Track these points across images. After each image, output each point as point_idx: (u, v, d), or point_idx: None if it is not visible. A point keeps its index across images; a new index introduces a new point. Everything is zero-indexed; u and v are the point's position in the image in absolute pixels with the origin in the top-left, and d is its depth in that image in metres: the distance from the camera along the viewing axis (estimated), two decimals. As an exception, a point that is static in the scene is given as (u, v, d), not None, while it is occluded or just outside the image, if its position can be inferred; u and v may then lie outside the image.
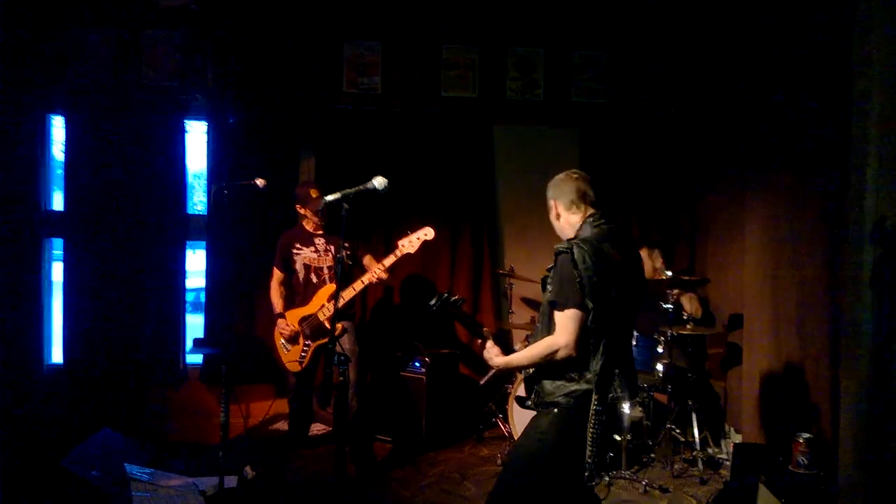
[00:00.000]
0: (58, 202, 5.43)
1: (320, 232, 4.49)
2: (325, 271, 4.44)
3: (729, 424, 4.88)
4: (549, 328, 2.50)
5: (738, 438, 4.62)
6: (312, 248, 4.46)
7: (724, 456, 4.62)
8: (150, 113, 5.16)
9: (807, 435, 3.52)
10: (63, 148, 5.23)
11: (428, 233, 4.21)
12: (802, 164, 3.78)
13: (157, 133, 5.18)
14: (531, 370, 2.59)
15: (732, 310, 4.81)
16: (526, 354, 2.56)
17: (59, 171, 5.51)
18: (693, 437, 4.44)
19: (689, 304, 4.81)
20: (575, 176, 2.68)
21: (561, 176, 2.71)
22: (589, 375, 2.46)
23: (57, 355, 5.44)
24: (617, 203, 5.44)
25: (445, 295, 2.44)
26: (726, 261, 4.86)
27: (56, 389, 5.14)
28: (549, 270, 2.62)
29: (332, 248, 4.45)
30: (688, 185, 5.41)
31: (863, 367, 2.65)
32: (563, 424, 2.48)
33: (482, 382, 5.00)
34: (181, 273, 5.32)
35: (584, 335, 2.41)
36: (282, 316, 4.46)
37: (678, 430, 4.48)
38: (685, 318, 4.62)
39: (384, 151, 5.34)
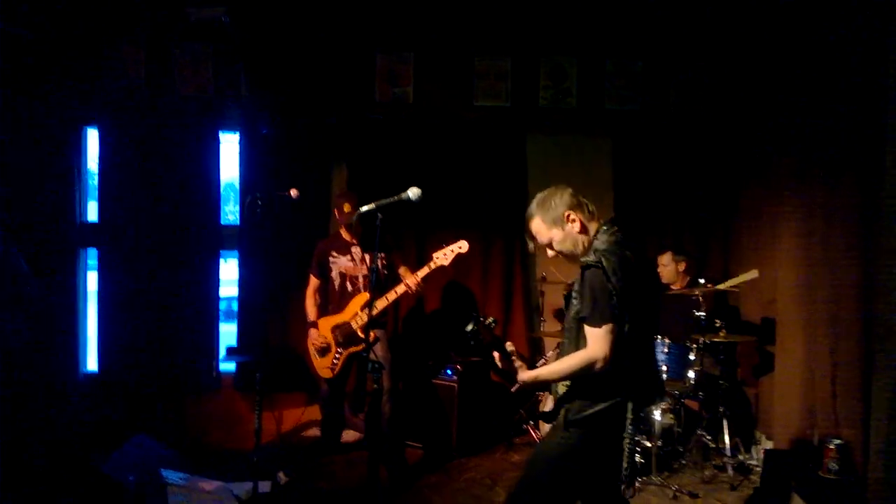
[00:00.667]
0: (92, 213, 5.53)
1: (356, 241, 4.53)
2: (361, 280, 4.46)
3: (760, 431, 4.86)
4: (578, 343, 2.46)
5: (769, 445, 4.59)
6: (349, 257, 4.50)
7: (754, 462, 4.59)
8: (183, 124, 5.24)
9: (838, 441, 3.52)
10: (98, 159, 5.33)
11: (462, 246, 4.21)
12: (835, 172, 3.76)
13: (191, 144, 5.26)
14: (560, 389, 2.54)
15: (765, 314, 4.79)
16: (557, 368, 2.49)
17: (93, 182, 5.63)
18: (724, 443, 4.43)
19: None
20: (571, 190, 2.60)
21: (558, 191, 2.60)
22: (623, 388, 2.45)
23: (92, 363, 5.55)
24: (650, 213, 5.42)
25: (481, 318, 2.42)
26: (760, 267, 4.83)
27: (91, 397, 5.24)
28: (571, 285, 2.59)
29: (368, 257, 4.48)
30: (721, 195, 5.36)
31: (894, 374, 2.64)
32: (589, 437, 2.48)
33: (513, 390, 5.08)
34: (214, 282, 5.40)
35: (619, 348, 2.38)
36: (314, 325, 4.51)
37: (709, 437, 4.47)
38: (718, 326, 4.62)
39: (416, 161, 5.37)
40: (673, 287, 4.86)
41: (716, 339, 4.46)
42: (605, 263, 2.38)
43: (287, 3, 5.07)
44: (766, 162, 4.67)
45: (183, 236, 5.26)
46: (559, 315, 5.41)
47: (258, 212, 4.18)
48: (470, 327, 2.39)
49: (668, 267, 4.89)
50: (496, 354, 2.50)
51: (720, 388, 4.47)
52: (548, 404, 4.39)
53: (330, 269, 4.51)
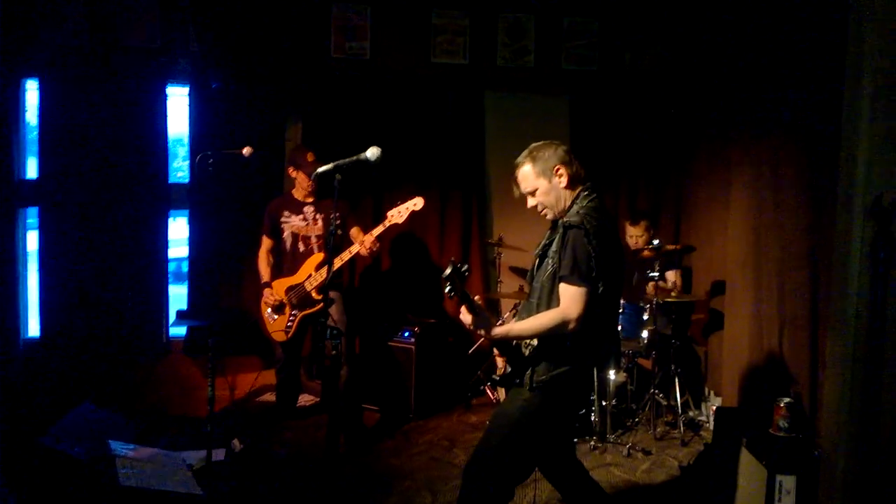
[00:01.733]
0: (31, 169, 5.24)
1: (310, 199, 4.44)
2: (313, 240, 4.41)
3: (709, 388, 5.01)
4: (550, 304, 2.46)
5: (718, 401, 4.74)
6: (301, 217, 4.42)
7: (703, 418, 4.77)
8: (128, 77, 4.98)
9: (787, 399, 3.61)
10: (37, 113, 5.02)
11: (417, 203, 4.16)
12: (786, 131, 3.81)
13: (137, 98, 5.01)
14: (526, 349, 2.53)
15: (715, 276, 4.90)
16: (529, 325, 2.46)
17: (32, 136, 5.33)
18: (675, 401, 4.55)
19: (674, 276, 4.96)
20: (566, 147, 2.61)
21: (552, 144, 2.60)
22: (589, 352, 2.48)
23: (34, 329, 5.32)
24: (605, 172, 5.48)
25: (458, 265, 2.39)
26: (710, 228, 4.93)
27: (33, 364, 5.02)
28: (548, 242, 2.59)
29: (321, 216, 4.41)
30: (675, 155, 5.45)
31: (849, 335, 2.71)
32: (553, 397, 2.49)
33: (470, 352, 5.11)
34: (163, 243, 5.21)
35: (591, 312, 2.38)
36: (268, 285, 4.44)
37: (661, 395, 4.58)
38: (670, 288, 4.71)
39: (373, 117, 5.26)
40: (643, 254, 4.88)
41: (668, 300, 4.54)
42: (587, 225, 2.40)
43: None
44: (720, 124, 4.72)
45: (129, 194, 5.03)
46: (517, 273, 5.43)
47: (209, 170, 4.03)
48: (448, 271, 2.35)
49: (642, 237, 4.93)
50: (464, 313, 2.47)
51: (672, 346, 4.57)
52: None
53: (282, 230, 4.43)
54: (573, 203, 2.56)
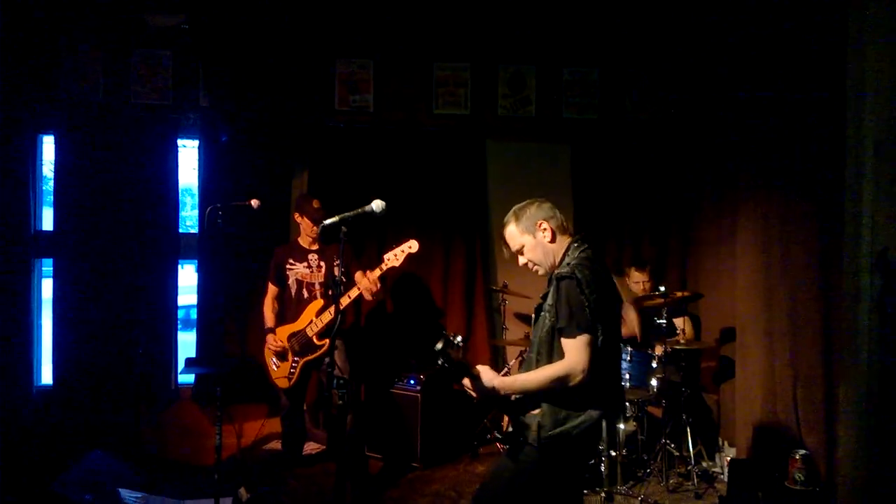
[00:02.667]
0: (47, 221, 5.37)
1: (315, 247, 4.51)
2: (317, 287, 4.46)
3: (722, 438, 4.91)
4: (552, 356, 2.43)
5: (731, 452, 4.64)
6: (305, 264, 4.48)
7: (718, 469, 4.64)
8: (141, 131, 5.14)
9: (803, 451, 3.56)
10: (53, 167, 5.18)
11: (412, 245, 4.19)
12: (794, 180, 3.82)
13: (149, 151, 5.16)
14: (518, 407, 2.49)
15: (724, 324, 4.85)
16: (534, 377, 2.40)
17: (47, 187, 5.47)
18: (688, 451, 4.45)
19: (684, 324, 4.88)
20: (550, 203, 2.64)
21: (535, 202, 2.63)
22: (597, 402, 2.42)
23: (46, 376, 5.38)
24: (608, 219, 5.49)
25: (450, 336, 2.37)
26: (718, 275, 4.90)
27: (45, 411, 5.08)
28: (543, 298, 2.57)
29: (325, 264, 4.47)
30: (679, 201, 5.45)
31: (862, 388, 2.68)
32: (560, 454, 2.44)
33: (476, 400, 5.06)
34: (173, 292, 5.28)
35: (595, 360, 2.35)
36: (272, 331, 4.49)
37: (672, 445, 4.50)
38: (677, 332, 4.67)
39: (377, 167, 5.35)
40: (646, 303, 4.84)
41: (677, 347, 4.50)
42: (578, 275, 2.38)
43: (246, 10, 4.99)
44: (725, 169, 4.73)
45: (140, 244, 5.15)
46: (522, 319, 5.41)
47: (219, 222, 4.11)
48: (439, 346, 2.34)
49: (648, 283, 4.92)
50: (465, 381, 2.45)
51: (682, 395, 4.51)
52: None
53: (287, 277, 4.49)
54: (564, 256, 2.56)
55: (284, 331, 4.44)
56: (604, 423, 2.46)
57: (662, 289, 4.57)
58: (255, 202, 4.22)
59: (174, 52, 5.18)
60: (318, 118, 5.34)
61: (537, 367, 2.45)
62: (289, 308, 4.50)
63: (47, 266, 5.44)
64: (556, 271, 2.50)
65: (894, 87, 2.55)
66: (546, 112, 5.49)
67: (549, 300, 2.47)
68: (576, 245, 2.56)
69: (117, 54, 5.15)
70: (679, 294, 4.68)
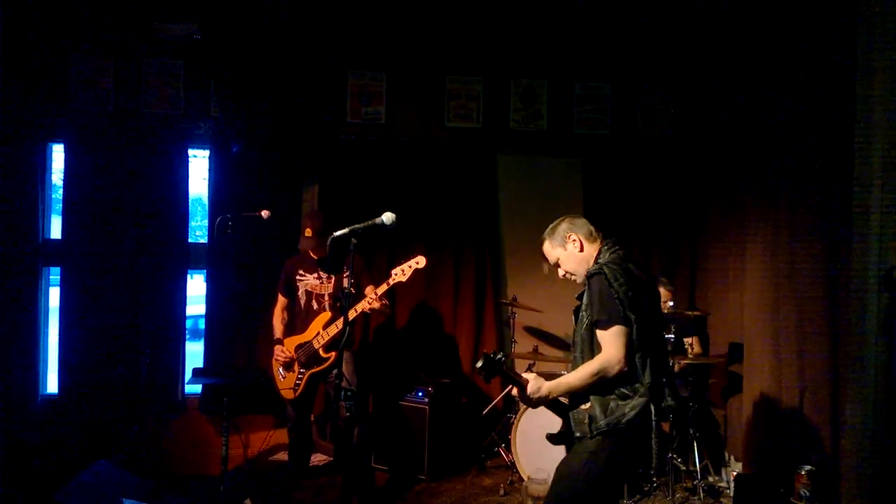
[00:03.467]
0: (55, 229, 5.38)
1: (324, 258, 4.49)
2: (326, 299, 4.45)
3: (729, 453, 4.90)
4: (593, 352, 2.59)
5: (738, 467, 4.63)
6: (315, 275, 4.47)
7: (724, 485, 4.63)
8: (151, 141, 5.15)
9: (808, 467, 3.56)
10: (62, 175, 5.20)
11: (420, 261, 4.19)
12: (802, 197, 3.83)
13: (159, 161, 5.16)
14: (570, 405, 2.63)
15: (732, 338, 4.85)
16: (577, 376, 2.55)
17: (56, 196, 5.49)
18: (694, 465, 4.46)
19: (692, 342, 4.91)
20: (583, 218, 2.89)
21: (564, 218, 2.89)
22: (642, 389, 2.52)
23: (52, 385, 5.37)
24: (618, 234, 5.45)
25: (490, 354, 2.47)
26: (726, 290, 4.90)
27: (51, 420, 5.06)
28: (579, 299, 2.75)
29: (334, 276, 4.47)
30: (689, 217, 5.47)
31: (868, 403, 2.69)
32: (617, 444, 2.52)
33: (484, 412, 5.07)
34: (181, 302, 5.27)
35: (631, 349, 2.50)
36: (280, 342, 4.49)
37: (679, 459, 4.49)
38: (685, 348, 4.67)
39: (388, 180, 5.37)
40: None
41: (686, 361, 4.50)
42: (606, 271, 2.59)
43: (259, 21, 5.02)
44: (734, 186, 4.74)
45: (149, 254, 5.14)
46: (532, 332, 5.41)
47: (229, 233, 4.12)
48: (479, 364, 2.47)
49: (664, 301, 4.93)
50: (513, 391, 2.61)
51: (690, 410, 4.50)
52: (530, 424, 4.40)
53: (297, 288, 4.49)
54: (596, 260, 2.77)
55: (292, 342, 4.44)
56: (652, 410, 2.50)
57: (671, 304, 4.58)
58: (265, 213, 4.24)
59: (185, 61, 5.21)
60: (329, 130, 5.36)
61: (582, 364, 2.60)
62: (298, 319, 4.51)
63: (55, 274, 5.44)
64: (587, 270, 2.70)
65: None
66: (557, 126, 5.53)
67: (585, 299, 2.66)
68: (606, 248, 2.79)
69: (128, 63, 5.16)
70: (689, 314, 4.68)
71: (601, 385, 2.52)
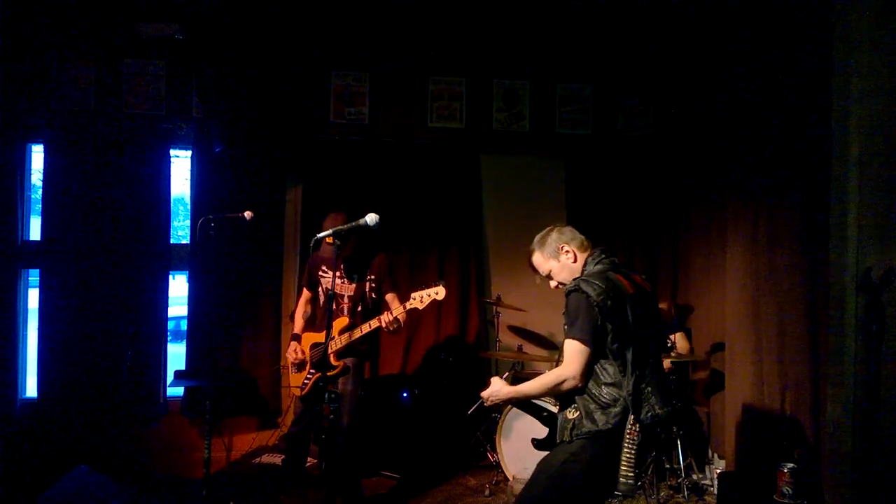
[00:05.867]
0: (34, 230, 5.31)
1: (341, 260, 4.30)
2: (345, 300, 4.25)
3: (712, 450, 4.94)
4: None
5: (721, 464, 4.67)
6: (338, 273, 4.26)
7: (708, 482, 4.67)
8: (132, 141, 5.10)
9: (791, 465, 3.59)
10: (42, 176, 5.12)
11: (440, 292, 3.98)
12: (781, 197, 3.88)
13: (140, 161, 5.11)
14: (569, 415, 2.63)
15: (714, 336, 4.89)
16: (534, 384, 2.64)
17: (35, 197, 5.41)
18: (678, 463, 4.49)
19: (681, 341, 4.95)
20: (570, 227, 2.89)
21: (556, 228, 2.88)
22: (622, 397, 2.52)
23: (31, 389, 5.30)
24: (601, 232, 5.52)
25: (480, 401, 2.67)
26: (708, 288, 4.95)
27: (30, 425, 4.98)
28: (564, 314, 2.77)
29: (356, 279, 4.30)
30: (670, 214, 5.53)
31: (848, 400, 2.72)
32: (597, 447, 2.53)
33: (469, 412, 5.07)
34: (163, 304, 5.23)
35: (590, 369, 2.54)
36: (297, 338, 4.33)
37: (663, 457, 4.52)
38: (669, 346, 4.69)
39: (372, 180, 5.36)
40: None
41: (669, 360, 4.52)
42: (582, 285, 2.58)
43: (242, 21, 4.99)
44: (713, 183, 4.80)
45: (130, 255, 5.09)
46: (516, 332, 5.43)
47: (211, 234, 4.08)
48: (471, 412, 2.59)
49: None
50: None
51: (673, 407, 4.52)
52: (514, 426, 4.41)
53: (319, 283, 4.34)
54: (583, 270, 2.78)
55: (309, 338, 4.28)
56: (635, 420, 2.52)
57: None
58: (248, 214, 4.18)
59: (167, 61, 5.16)
60: (313, 130, 5.34)
61: None
62: (318, 315, 4.38)
63: (34, 276, 5.37)
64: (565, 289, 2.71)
65: (877, 112, 2.62)
66: (540, 127, 5.56)
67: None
68: (592, 258, 2.79)
69: (109, 63, 5.11)
70: (663, 305, 4.72)
71: (587, 395, 2.56)
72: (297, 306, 4.51)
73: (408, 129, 5.44)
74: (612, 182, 5.59)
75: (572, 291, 2.60)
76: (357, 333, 4.05)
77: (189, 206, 5.44)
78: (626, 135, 5.62)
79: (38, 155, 5.31)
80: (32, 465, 4.52)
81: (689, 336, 5.19)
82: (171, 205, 5.29)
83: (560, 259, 2.81)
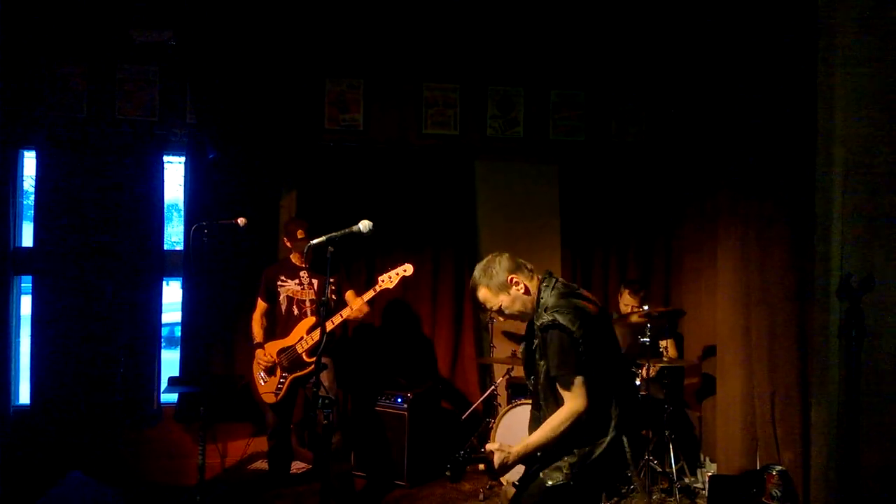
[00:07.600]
0: (27, 237, 5.29)
1: (305, 265, 4.52)
2: (308, 304, 4.49)
3: (704, 454, 4.98)
4: (557, 401, 2.50)
5: (713, 468, 4.71)
6: (297, 281, 4.51)
7: (699, 486, 4.71)
8: (125, 147, 5.09)
9: (779, 468, 3.64)
10: (34, 182, 5.11)
11: (407, 269, 4.28)
12: (771, 205, 3.91)
13: (133, 167, 5.11)
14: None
15: (706, 341, 4.92)
16: (544, 434, 2.46)
17: (27, 203, 5.40)
18: (670, 467, 4.51)
19: (667, 345, 4.98)
20: (508, 254, 2.68)
21: (494, 258, 2.66)
22: (612, 425, 2.48)
23: (24, 396, 5.28)
24: (595, 238, 5.57)
25: (456, 456, 2.49)
26: (700, 293, 4.99)
27: (23, 432, 4.96)
28: (526, 345, 2.66)
29: (316, 281, 4.50)
30: (663, 220, 5.57)
31: (833, 404, 2.76)
32: (595, 477, 2.51)
33: (464, 417, 5.09)
34: (156, 309, 5.22)
35: (594, 393, 2.44)
36: (261, 346, 4.49)
37: (656, 461, 4.55)
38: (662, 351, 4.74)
39: (366, 186, 5.37)
40: (632, 318, 4.89)
41: (661, 364, 4.56)
42: (560, 320, 2.44)
43: (235, 27, 4.99)
44: (707, 192, 4.83)
45: (123, 261, 5.09)
46: (510, 337, 5.45)
47: (205, 240, 4.10)
48: (449, 474, 2.51)
49: (629, 307, 4.98)
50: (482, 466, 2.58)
51: (665, 411, 4.56)
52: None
53: (278, 293, 4.52)
54: (538, 301, 2.59)
55: (274, 346, 4.45)
56: (625, 439, 2.51)
57: (646, 308, 4.64)
58: (241, 220, 4.23)
59: (161, 67, 5.16)
60: (307, 137, 5.35)
61: (549, 415, 2.50)
62: (279, 324, 4.52)
63: (26, 283, 5.36)
64: (536, 321, 2.55)
65: (860, 123, 2.66)
66: (534, 133, 5.59)
67: (538, 345, 2.55)
68: (545, 286, 2.60)
69: (102, 69, 5.11)
70: (660, 309, 4.74)
71: (574, 433, 2.45)
72: (252, 318, 4.61)
73: (402, 136, 5.46)
74: (606, 188, 5.61)
75: (550, 328, 2.46)
76: (329, 326, 4.14)
77: (183, 213, 5.43)
78: (619, 141, 5.65)
79: (30, 161, 5.29)
80: (26, 472, 4.49)
81: (678, 343, 5.22)
82: (165, 211, 5.29)
83: (510, 292, 2.59)
